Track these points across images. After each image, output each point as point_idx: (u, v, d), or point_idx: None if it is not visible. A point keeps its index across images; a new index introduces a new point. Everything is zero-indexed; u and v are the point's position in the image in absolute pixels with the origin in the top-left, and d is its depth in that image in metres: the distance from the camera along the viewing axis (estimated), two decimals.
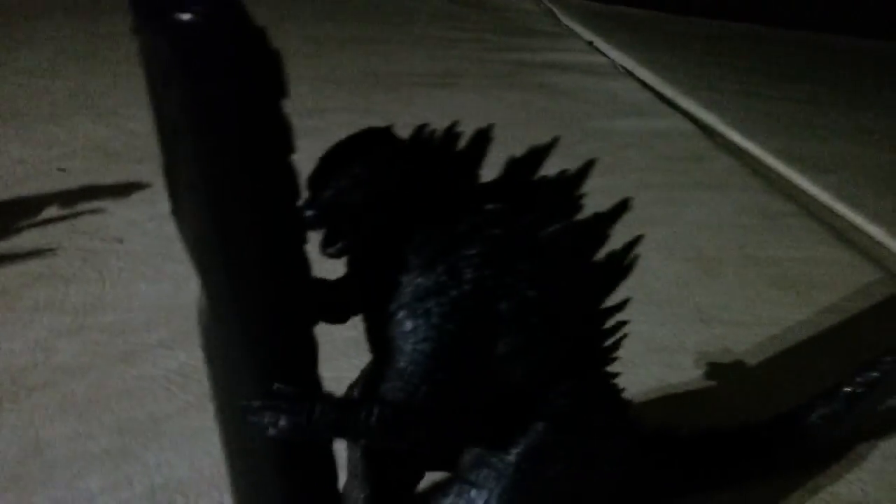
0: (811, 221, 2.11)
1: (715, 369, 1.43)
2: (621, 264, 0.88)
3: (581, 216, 0.84)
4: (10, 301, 1.50)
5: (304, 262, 0.71)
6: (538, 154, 0.83)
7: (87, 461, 1.12)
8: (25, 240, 1.72)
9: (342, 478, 0.95)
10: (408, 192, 0.74)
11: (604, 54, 3.91)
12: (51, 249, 1.69)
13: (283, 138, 0.65)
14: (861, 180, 2.44)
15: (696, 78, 3.56)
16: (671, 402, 1.33)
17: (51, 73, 3.05)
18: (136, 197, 1.96)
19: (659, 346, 1.49)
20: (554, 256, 0.80)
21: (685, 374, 1.41)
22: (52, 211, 1.87)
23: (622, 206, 0.86)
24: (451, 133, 0.79)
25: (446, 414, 0.75)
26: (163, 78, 0.62)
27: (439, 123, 2.57)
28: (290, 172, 0.67)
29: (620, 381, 1.33)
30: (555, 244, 0.80)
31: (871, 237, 2.09)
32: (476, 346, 0.76)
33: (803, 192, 2.37)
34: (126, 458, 1.13)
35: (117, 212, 1.89)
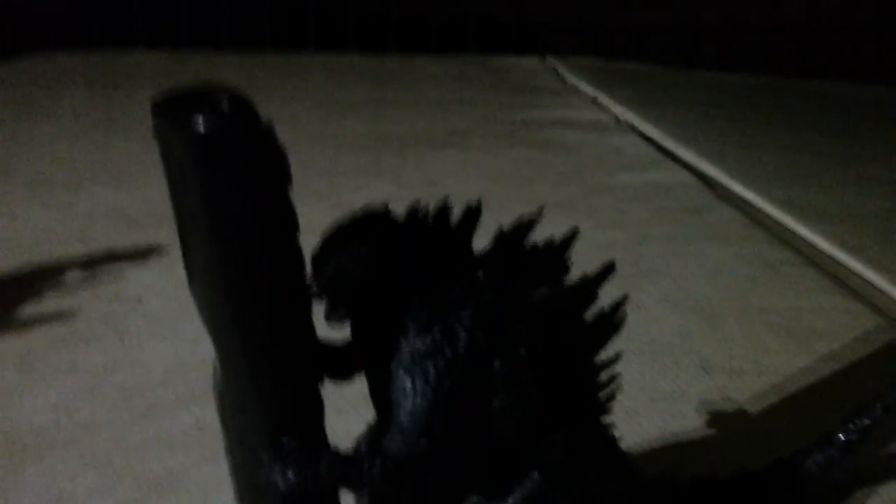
0: (813, 270, 2.15)
1: (716, 418, 1.46)
2: (611, 321, 0.93)
3: (570, 278, 0.90)
4: (34, 364, 1.56)
5: (310, 329, 0.78)
6: (526, 224, 0.89)
7: None
8: (48, 304, 1.79)
9: None
10: (404, 265, 0.81)
11: (607, 110, 4.01)
12: (72, 313, 1.75)
13: (289, 220, 0.73)
14: (863, 229, 2.49)
15: (699, 130, 3.64)
16: (672, 451, 1.36)
17: (71, 141, 3.17)
18: (153, 260, 2.04)
19: (661, 396, 1.52)
20: (544, 318, 0.86)
21: (687, 422, 1.44)
22: (73, 275, 1.94)
23: (608, 269, 0.92)
24: (443, 210, 0.86)
25: (444, 466, 0.80)
26: (181, 176, 0.69)
27: (446, 181, 2.67)
28: (295, 251, 0.75)
29: (622, 430, 1.36)
30: (544, 306, 0.86)
31: (873, 285, 2.12)
32: (471, 402, 0.82)
33: (805, 242, 2.42)
34: None
35: (135, 275, 1.96)
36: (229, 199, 0.69)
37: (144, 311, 1.77)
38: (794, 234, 2.49)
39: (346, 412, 1.39)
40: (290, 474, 0.75)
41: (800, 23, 5.33)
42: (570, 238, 0.91)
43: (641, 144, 3.39)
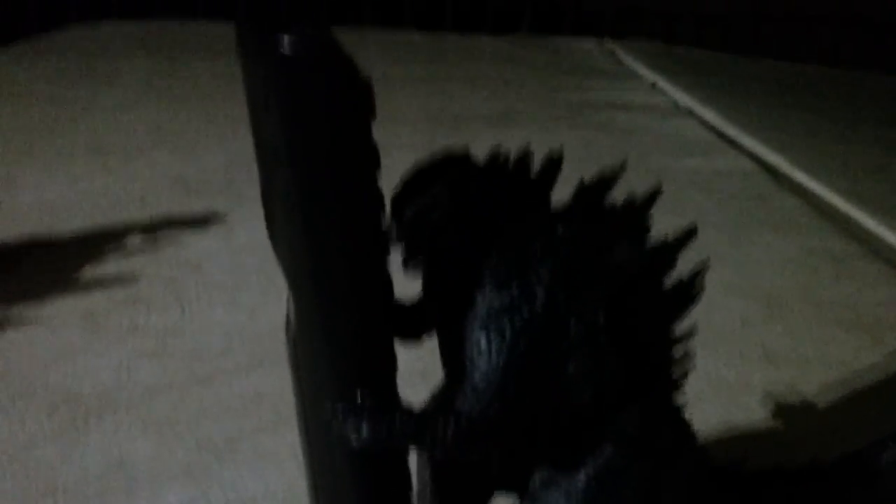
0: (880, 263, 2.08)
1: (781, 409, 1.42)
2: (690, 291, 0.90)
3: (649, 241, 0.87)
4: (96, 324, 1.58)
5: (387, 279, 0.75)
6: (607, 179, 0.86)
7: (167, 477, 1.17)
8: (110, 267, 1.81)
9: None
10: (483, 212, 0.78)
11: (666, 94, 3.93)
12: (134, 276, 1.77)
13: (371, 158, 0.70)
14: None
15: (761, 118, 3.55)
16: (735, 441, 1.32)
17: (132, 110, 3.21)
18: (213, 228, 2.05)
19: (723, 384, 1.48)
20: (623, 280, 0.82)
21: (751, 413, 1.40)
22: (134, 240, 1.97)
23: (689, 234, 0.88)
24: (524, 158, 0.83)
25: (517, 430, 0.78)
26: (264, 102, 0.67)
27: None
28: (376, 192, 0.72)
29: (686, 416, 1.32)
30: (625, 267, 0.82)
31: None
32: (546, 365, 0.78)
33: (871, 234, 2.34)
34: (203, 475, 1.18)
35: (195, 242, 1.97)
36: (312, 127, 0.66)
37: (204, 278, 1.78)
38: (859, 225, 2.41)
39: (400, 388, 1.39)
40: (364, 429, 0.74)
41: (870, 16, 5.15)
42: (652, 196, 0.87)
43: (701, 130, 3.32)
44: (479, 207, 0.78)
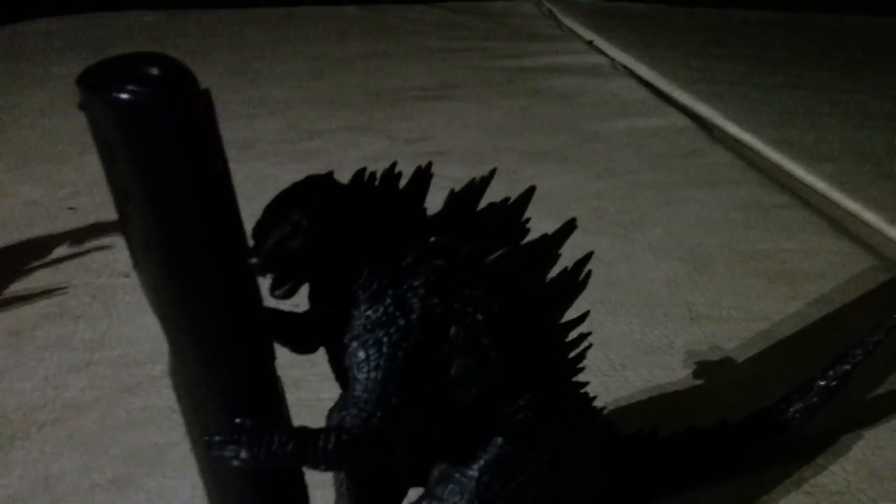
0: (807, 212, 2.12)
1: (704, 368, 1.46)
2: (575, 280, 0.92)
3: (528, 239, 0.88)
4: (22, 341, 1.57)
5: (256, 304, 0.76)
6: (477, 187, 0.87)
7: (93, 492, 1.17)
8: (37, 280, 1.80)
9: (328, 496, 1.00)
10: (348, 233, 0.79)
11: (603, 53, 3.93)
12: (61, 288, 1.76)
13: (226, 194, 0.70)
14: (859, 167, 2.45)
15: (696, 71, 3.57)
16: (658, 403, 1.36)
17: (60, 113, 3.14)
18: None
19: (648, 348, 1.52)
20: (500, 280, 0.84)
21: (674, 374, 1.44)
22: (62, 250, 1.94)
23: (568, 227, 0.90)
24: (391, 174, 0.84)
25: (401, 436, 0.80)
26: (110, 151, 0.67)
27: (438, 135, 2.61)
28: (235, 224, 0.72)
29: (608, 384, 1.36)
30: (500, 268, 0.84)
31: (868, 225, 2.09)
32: (427, 371, 0.80)
33: (799, 182, 2.39)
34: (130, 486, 1.18)
35: (123, 247, 1.95)
36: (158, 171, 0.66)
37: (133, 284, 1.77)
38: (788, 174, 2.45)
39: (332, 379, 1.40)
40: (243, 453, 0.75)
41: None
42: (526, 197, 0.89)
43: (637, 88, 3.33)
44: (343, 229, 0.78)
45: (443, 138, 2.75)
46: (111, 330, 1.60)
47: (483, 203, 0.87)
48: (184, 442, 1.27)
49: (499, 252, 0.84)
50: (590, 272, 0.94)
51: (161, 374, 1.46)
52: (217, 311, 0.73)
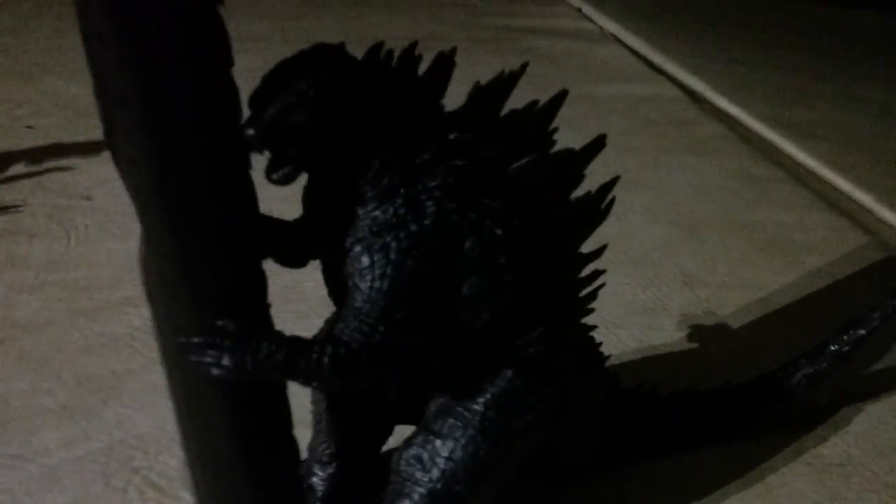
0: (799, 187, 2.07)
1: (698, 331, 1.40)
2: (598, 207, 0.83)
3: (553, 151, 0.79)
4: None
5: (247, 186, 0.65)
6: (506, 82, 0.77)
7: (44, 416, 1.07)
8: None
9: (307, 433, 0.91)
10: (360, 113, 0.68)
11: (592, 21, 3.84)
12: (15, 206, 1.63)
13: (219, 48, 0.59)
14: (849, 147, 2.41)
15: (686, 45, 3.51)
16: (652, 364, 1.29)
17: (22, 32, 2.97)
18: (106, 155, 1.89)
19: (641, 308, 1.45)
20: (524, 192, 0.74)
21: (667, 335, 1.37)
22: (19, 168, 1.81)
23: (598, 143, 0.81)
24: (411, 55, 0.73)
25: (406, 356, 0.70)
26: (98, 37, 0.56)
27: None
28: (228, 86, 0.61)
29: (600, 341, 1.29)
30: (525, 178, 0.75)
31: (858, 203, 2.05)
32: (437, 286, 0.70)
33: (791, 159, 2.34)
34: (84, 413, 1.08)
35: (87, 169, 1.83)
36: (141, 9, 0.56)
37: (94, 207, 1.65)
38: (780, 151, 2.40)
39: (308, 317, 1.31)
40: (225, 360, 0.63)
41: None
42: (557, 102, 0.79)
43: (627, 56, 3.26)
44: (354, 107, 0.67)
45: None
46: (69, 252, 1.49)
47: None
48: (146, 370, 1.17)
49: (524, 160, 0.74)
50: (613, 200, 0.85)
51: (122, 300, 1.35)
52: (202, 186, 0.61)
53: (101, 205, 1.67)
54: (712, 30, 3.96)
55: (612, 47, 3.38)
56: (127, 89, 0.58)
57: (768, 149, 2.40)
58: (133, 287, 1.38)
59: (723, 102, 2.78)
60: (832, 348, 1.09)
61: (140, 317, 1.30)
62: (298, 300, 1.32)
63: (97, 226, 1.58)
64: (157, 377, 1.14)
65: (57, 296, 1.34)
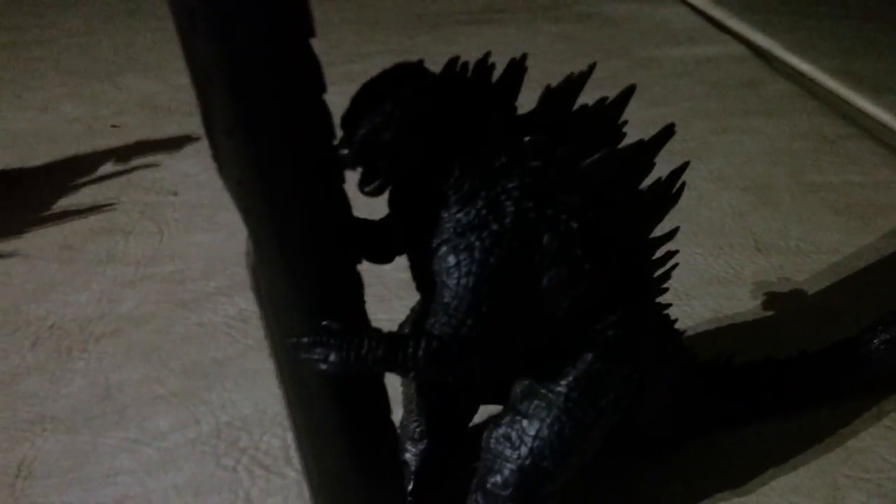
0: (872, 143, 2.03)
1: (773, 299, 1.41)
2: (669, 192, 0.86)
3: (624, 144, 0.83)
4: (74, 255, 1.55)
5: (343, 200, 0.71)
6: (575, 83, 0.81)
7: (156, 403, 1.16)
8: (84, 196, 1.77)
9: (398, 412, 0.97)
10: (442, 126, 0.73)
11: None
12: (109, 204, 1.73)
13: (314, 77, 0.65)
14: None
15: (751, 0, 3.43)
16: (727, 334, 1.31)
17: (99, 31, 3.09)
18: (188, 150, 2.00)
19: (714, 278, 1.47)
20: (596, 186, 0.79)
21: (741, 304, 1.39)
22: (107, 167, 1.92)
23: (667, 132, 0.84)
24: (485, 65, 0.78)
25: (492, 346, 0.76)
26: (189, 20, 0.62)
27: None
28: (323, 111, 0.67)
29: (674, 313, 1.32)
30: (597, 173, 0.79)
31: None
32: (520, 280, 0.76)
33: (863, 114, 2.28)
34: (192, 399, 1.17)
35: (170, 165, 1.92)
36: (244, 45, 0.61)
37: (181, 202, 1.75)
38: (851, 105, 2.35)
39: (388, 300, 1.37)
40: (332, 356, 0.71)
41: None
42: (625, 97, 0.82)
43: (690, 16, 3.20)
44: (436, 121, 0.73)
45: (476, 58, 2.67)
46: (162, 246, 1.58)
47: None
48: (243, 357, 1.26)
49: (596, 156, 0.78)
50: (683, 184, 0.88)
51: (215, 290, 1.43)
52: (303, 203, 0.68)
53: (187, 199, 1.76)
54: None
55: (675, 7, 3.32)
56: (234, 122, 0.64)
57: (839, 104, 2.35)
58: (224, 277, 1.47)
59: (791, 59, 2.72)
60: None
61: (233, 305, 1.39)
62: (379, 284, 1.39)
63: (185, 220, 1.67)
64: (253, 363, 1.24)
65: (156, 289, 1.44)
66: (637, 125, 2.21)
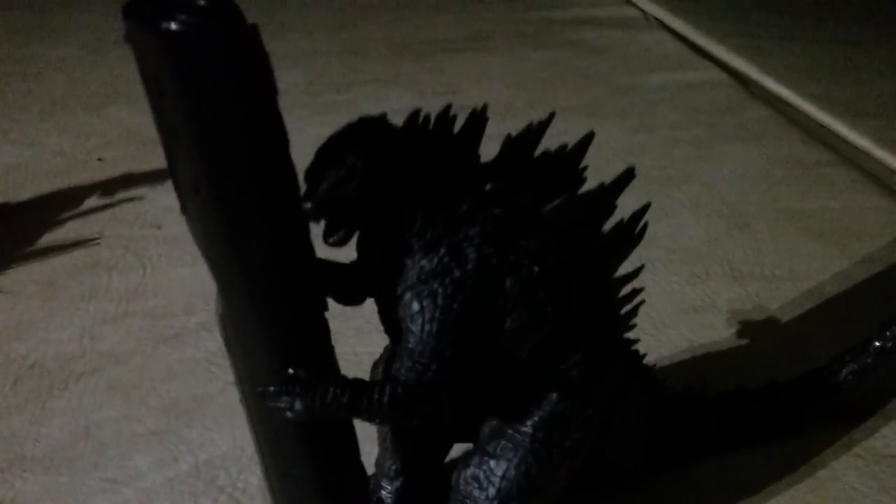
0: (850, 169, 2.06)
1: (747, 327, 1.42)
2: (631, 233, 0.88)
3: (585, 188, 0.85)
4: (57, 291, 1.56)
5: (308, 251, 0.73)
6: (535, 131, 0.83)
7: (135, 442, 1.17)
8: (68, 231, 1.78)
9: (373, 450, 0.98)
10: (404, 178, 0.76)
11: (636, 6, 3.83)
12: (93, 239, 1.75)
13: (278, 133, 0.67)
14: None
15: (732, 24, 3.47)
16: (701, 363, 1.33)
17: (86, 63, 3.11)
18: (171, 184, 2.01)
19: (689, 306, 1.48)
20: (557, 231, 0.81)
21: (716, 333, 1.41)
22: (92, 201, 1.93)
23: (627, 176, 0.87)
24: (446, 116, 0.80)
25: (458, 389, 0.77)
26: (157, 86, 0.64)
27: (467, 88, 2.55)
28: (287, 166, 0.69)
29: (649, 342, 1.33)
30: (558, 218, 0.81)
31: None
32: (483, 324, 0.78)
33: (842, 139, 2.32)
34: (171, 437, 1.18)
35: (154, 198, 1.94)
36: (210, 108, 0.63)
37: (164, 236, 1.76)
38: (830, 131, 2.38)
39: (368, 332, 1.39)
40: (297, 405, 0.73)
41: None
42: (585, 143, 0.85)
43: (672, 42, 3.25)
44: (398, 173, 0.75)
45: (472, 92, 2.70)
46: (145, 281, 1.59)
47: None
48: (223, 394, 1.27)
49: (556, 201, 0.81)
50: (646, 224, 0.90)
51: (196, 326, 1.45)
52: (269, 256, 0.70)
53: (171, 233, 1.77)
54: (758, 4, 3.91)
55: (657, 34, 3.37)
56: (200, 178, 0.66)
57: (818, 130, 2.38)
58: (205, 312, 1.48)
59: (771, 84, 2.76)
60: (877, 344, 1.11)
61: (214, 341, 1.40)
62: (359, 317, 1.40)
63: (168, 254, 1.69)
64: (232, 399, 1.24)
65: (138, 325, 1.45)
66: (617, 152, 2.24)
